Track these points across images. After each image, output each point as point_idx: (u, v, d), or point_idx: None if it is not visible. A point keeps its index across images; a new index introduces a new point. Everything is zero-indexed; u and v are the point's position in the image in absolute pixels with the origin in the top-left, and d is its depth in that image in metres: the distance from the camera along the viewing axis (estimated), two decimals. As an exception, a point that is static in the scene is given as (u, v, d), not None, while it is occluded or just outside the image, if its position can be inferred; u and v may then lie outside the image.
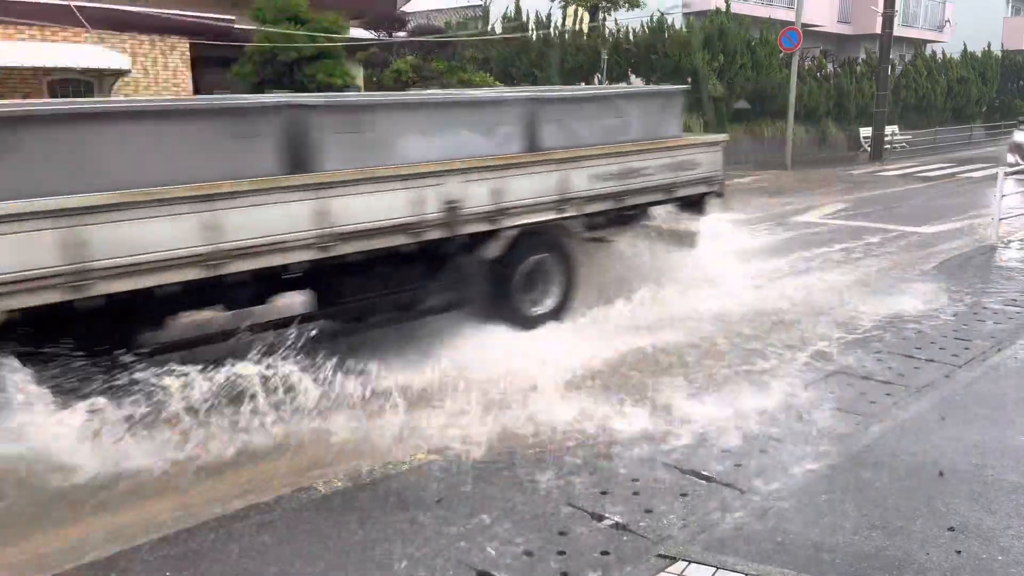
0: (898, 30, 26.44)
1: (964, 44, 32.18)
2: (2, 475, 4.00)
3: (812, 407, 5.01)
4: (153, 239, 4.42)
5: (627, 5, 24.09)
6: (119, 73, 12.87)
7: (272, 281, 5.19)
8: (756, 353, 6.08)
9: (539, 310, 6.70)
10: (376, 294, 5.73)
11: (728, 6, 23.26)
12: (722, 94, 22.38)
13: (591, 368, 5.75)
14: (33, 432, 4.10)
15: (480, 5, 28.75)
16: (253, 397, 4.63)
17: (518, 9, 25.82)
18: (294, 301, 5.79)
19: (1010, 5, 40.02)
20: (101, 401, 4.31)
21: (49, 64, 11.99)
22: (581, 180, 6.52)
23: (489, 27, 26.98)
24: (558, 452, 4.44)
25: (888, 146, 25.44)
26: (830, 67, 26.94)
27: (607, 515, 3.77)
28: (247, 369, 4.67)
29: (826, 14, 29.46)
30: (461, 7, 30.94)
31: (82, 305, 4.29)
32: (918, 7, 33.74)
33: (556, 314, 6.78)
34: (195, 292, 4.74)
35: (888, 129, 25.84)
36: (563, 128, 6.65)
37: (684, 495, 3.96)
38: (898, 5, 25.38)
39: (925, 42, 33.93)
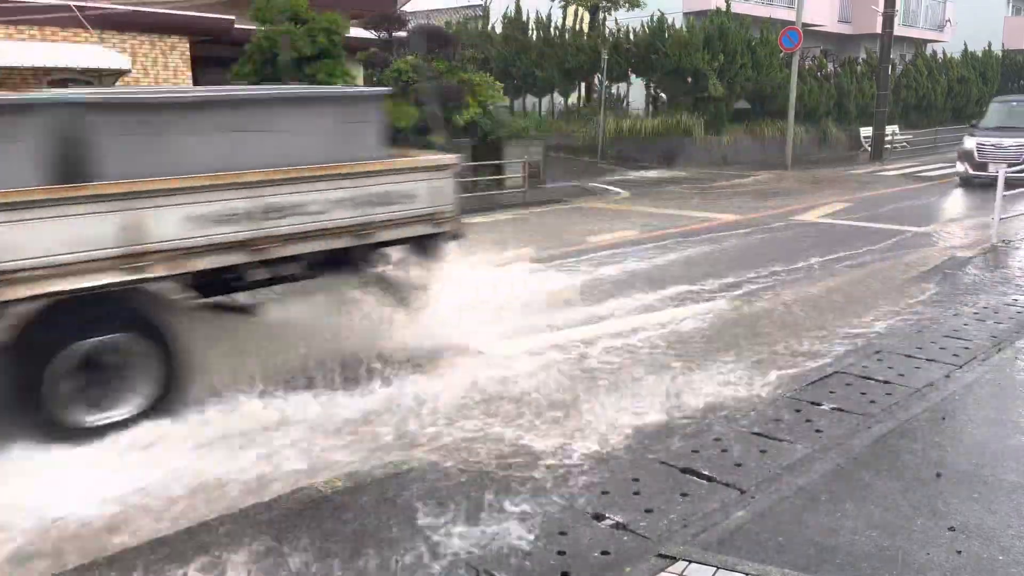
0: (898, 30, 26.43)
1: (965, 44, 32.19)
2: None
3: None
4: None
5: (627, 5, 24.11)
6: (119, 73, 12.88)
7: None
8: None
9: (105, 417, 4.64)
10: None
11: (728, 6, 23.26)
12: (722, 94, 22.38)
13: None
14: None
15: (480, 5, 28.75)
16: None
17: (518, 9, 25.82)
18: None
19: (1010, 4, 40.00)
20: None
21: (49, 64, 11.99)
22: (173, 224, 4.63)
23: (489, 27, 26.98)
24: None
25: (888, 146, 25.45)
26: (830, 67, 26.94)
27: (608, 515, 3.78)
28: None
29: (826, 14, 29.46)
30: (461, 7, 30.94)
31: None
32: (918, 7, 33.74)
33: (148, 415, 4.75)
34: None
35: (888, 129, 25.85)
36: (146, 147, 4.76)
37: (685, 495, 3.97)
38: (898, 5, 25.38)
39: (926, 42, 33.94)
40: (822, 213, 13.53)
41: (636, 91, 25.16)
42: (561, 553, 3.49)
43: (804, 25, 21.93)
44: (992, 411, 4.90)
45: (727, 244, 10.81)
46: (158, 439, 4.58)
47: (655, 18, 22.83)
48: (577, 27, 24.91)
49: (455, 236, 6.10)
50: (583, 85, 25.61)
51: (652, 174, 20.45)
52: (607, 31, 24.14)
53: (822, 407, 5.04)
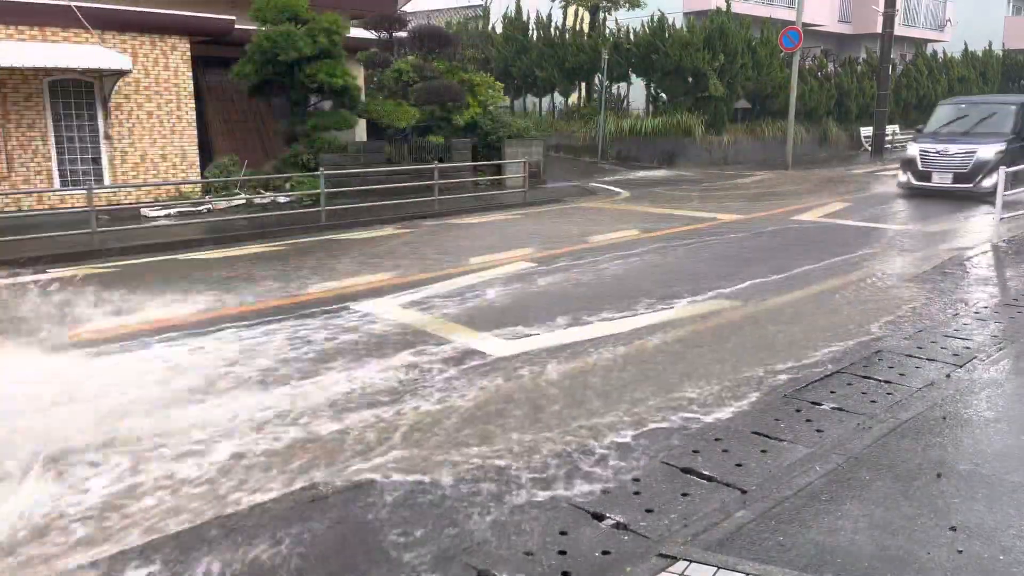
0: (899, 29, 26.45)
1: (965, 43, 32.20)
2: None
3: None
4: None
5: (627, 5, 24.13)
6: (120, 73, 12.89)
7: None
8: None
9: None
10: None
11: (729, 6, 23.28)
12: (723, 94, 22.39)
13: None
14: None
15: (480, 5, 28.76)
16: None
17: (518, 9, 25.82)
18: None
19: (1011, 4, 40.01)
20: None
21: (49, 64, 12.01)
22: None
23: (489, 27, 27.00)
24: None
25: (889, 145, 25.45)
26: (831, 67, 26.96)
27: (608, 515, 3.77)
28: None
29: (827, 14, 29.48)
30: (461, 7, 30.95)
31: None
32: (919, 6, 33.76)
33: None
34: None
35: (889, 128, 25.86)
36: None
37: (685, 495, 3.97)
38: (899, 4, 25.39)
39: (926, 41, 33.95)
40: (823, 213, 13.53)
41: (636, 91, 25.17)
42: (562, 553, 3.49)
43: (804, 25, 21.94)
44: (993, 411, 4.90)
45: (727, 244, 10.80)
46: None
47: (655, 18, 22.85)
48: (577, 27, 24.93)
49: None
50: (583, 85, 25.61)
51: (653, 174, 20.45)
52: (607, 31, 24.16)
53: (823, 407, 5.03)
